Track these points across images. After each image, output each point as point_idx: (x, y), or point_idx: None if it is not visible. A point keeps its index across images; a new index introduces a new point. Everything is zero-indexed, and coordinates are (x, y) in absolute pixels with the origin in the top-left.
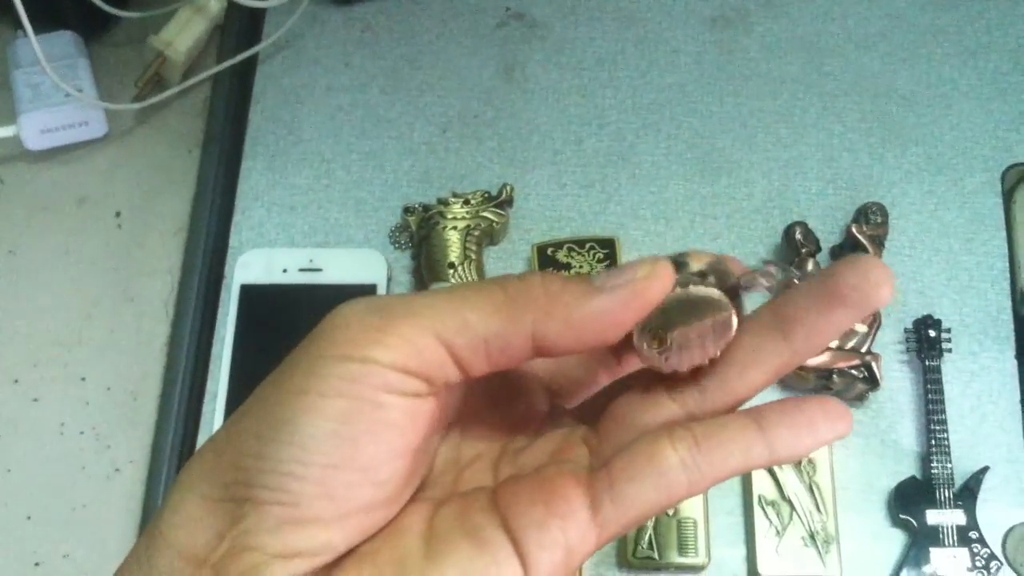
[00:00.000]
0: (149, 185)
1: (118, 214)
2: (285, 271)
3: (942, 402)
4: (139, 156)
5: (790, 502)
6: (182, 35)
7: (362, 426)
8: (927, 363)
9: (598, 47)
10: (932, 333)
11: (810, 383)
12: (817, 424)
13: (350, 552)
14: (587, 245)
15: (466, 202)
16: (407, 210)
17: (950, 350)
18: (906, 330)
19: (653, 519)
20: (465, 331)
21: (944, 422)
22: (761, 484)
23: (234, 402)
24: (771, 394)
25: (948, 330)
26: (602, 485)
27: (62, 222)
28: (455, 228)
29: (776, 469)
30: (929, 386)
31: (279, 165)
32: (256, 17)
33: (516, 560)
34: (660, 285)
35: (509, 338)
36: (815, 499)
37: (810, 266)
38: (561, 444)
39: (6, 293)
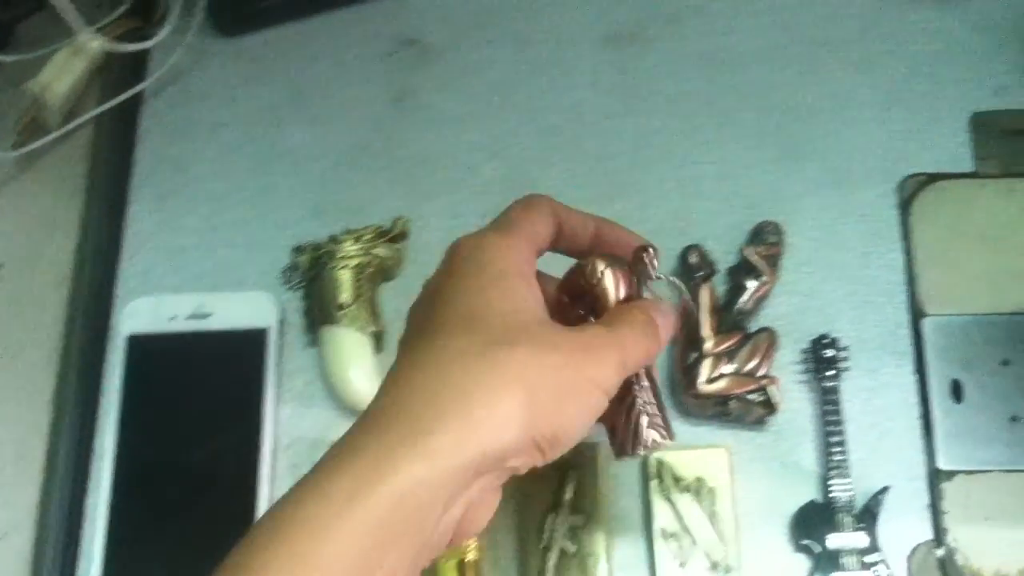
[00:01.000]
0: (31, 235)
1: (0, 266)
2: (173, 319)
3: (840, 423)
4: (20, 205)
5: (691, 533)
6: (60, 78)
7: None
8: (824, 384)
9: (492, 71)
10: (829, 352)
11: (708, 410)
12: None
13: None
14: None
15: (358, 239)
16: (297, 249)
17: (848, 368)
18: (803, 350)
19: (556, 557)
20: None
21: (843, 443)
22: (662, 516)
23: (125, 460)
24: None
25: (845, 348)
26: None
27: None
28: (346, 267)
29: (676, 499)
30: (827, 407)
31: (167, 207)
32: (139, 53)
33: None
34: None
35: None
36: (716, 528)
37: (704, 296)
38: None
39: None
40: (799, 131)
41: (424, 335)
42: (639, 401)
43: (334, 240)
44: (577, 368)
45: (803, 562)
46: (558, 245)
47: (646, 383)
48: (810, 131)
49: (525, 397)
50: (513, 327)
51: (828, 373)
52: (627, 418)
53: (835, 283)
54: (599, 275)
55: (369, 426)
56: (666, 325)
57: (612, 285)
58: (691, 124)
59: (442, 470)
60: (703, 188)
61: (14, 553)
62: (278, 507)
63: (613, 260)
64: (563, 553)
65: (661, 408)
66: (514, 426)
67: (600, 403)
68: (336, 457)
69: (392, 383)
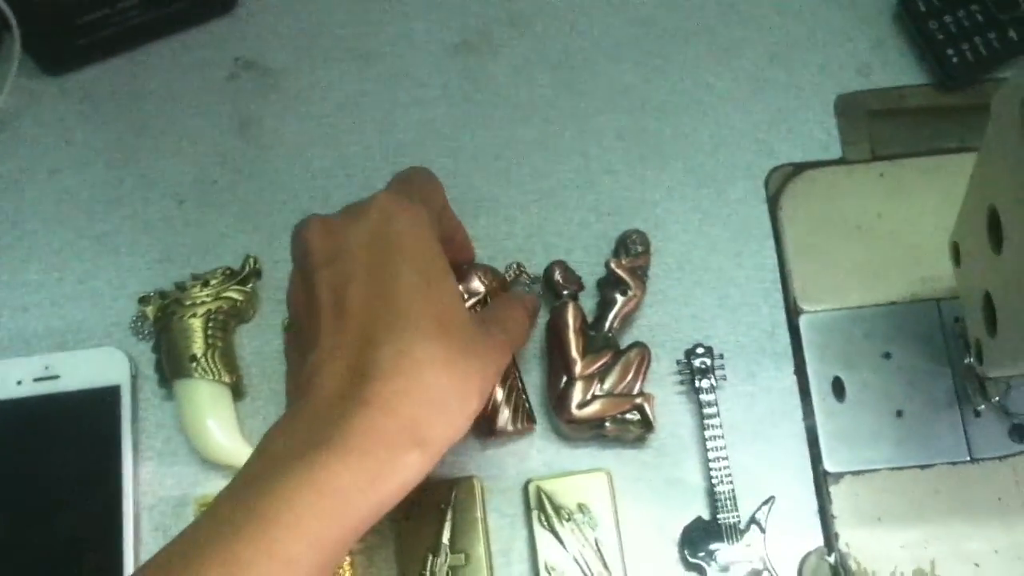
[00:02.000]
0: None
1: None
2: (19, 383)
3: (721, 436)
4: None
5: (577, 563)
6: None
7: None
8: (700, 395)
9: (338, 91)
10: (702, 361)
11: (585, 433)
12: None
13: None
14: None
15: (205, 283)
16: (143, 299)
17: (724, 377)
18: (678, 362)
19: None
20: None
21: (724, 456)
22: (545, 548)
23: None
24: (548, 444)
25: (721, 356)
26: None
27: None
28: (195, 315)
29: (560, 530)
30: (706, 419)
31: (5, 263)
32: None
33: None
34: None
35: None
36: (601, 557)
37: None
38: None
39: None
40: (659, 130)
41: (389, 331)
42: (520, 384)
43: (180, 287)
44: (490, 365)
45: None
46: None
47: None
48: (670, 129)
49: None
50: (457, 328)
51: (703, 384)
52: (508, 399)
53: (708, 288)
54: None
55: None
56: (533, 317)
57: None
58: (547, 131)
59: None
60: (565, 199)
61: None
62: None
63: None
64: None
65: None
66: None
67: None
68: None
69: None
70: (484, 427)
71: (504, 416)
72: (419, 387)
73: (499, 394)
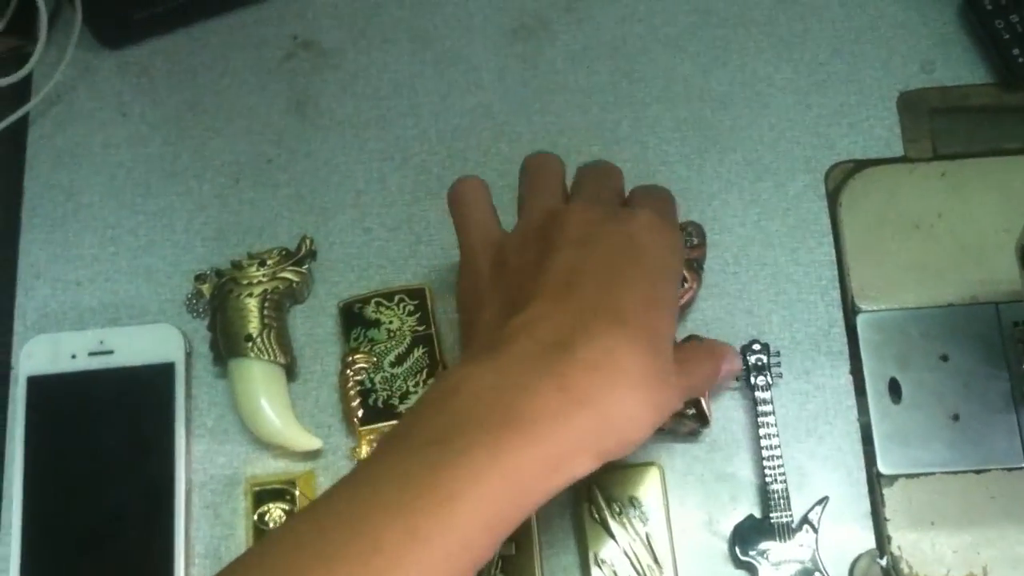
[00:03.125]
0: None
1: None
2: (74, 357)
3: (776, 435)
4: None
5: (627, 556)
6: None
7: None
8: (756, 392)
9: (394, 72)
10: (760, 359)
11: None
12: None
13: None
14: (396, 298)
15: (262, 263)
16: (199, 278)
17: (780, 374)
18: None
19: None
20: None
21: (779, 454)
22: (596, 541)
23: (33, 507)
24: None
25: (777, 353)
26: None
27: None
28: (251, 295)
29: (611, 522)
30: (760, 416)
31: (60, 236)
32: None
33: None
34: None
35: None
36: (651, 551)
37: None
38: None
39: None
40: (717, 121)
41: (608, 326)
42: None
43: (237, 266)
44: (668, 403)
45: None
46: None
47: None
48: (729, 121)
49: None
50: (663, 356)
51: (759, 380)
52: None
53: (764, 282)
54: None
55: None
56: (728, 367)
57: None
58: (604, 119)
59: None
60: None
61: None
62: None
63: None
64: None
65: None
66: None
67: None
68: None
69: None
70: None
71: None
72: (611, 393)
73: None
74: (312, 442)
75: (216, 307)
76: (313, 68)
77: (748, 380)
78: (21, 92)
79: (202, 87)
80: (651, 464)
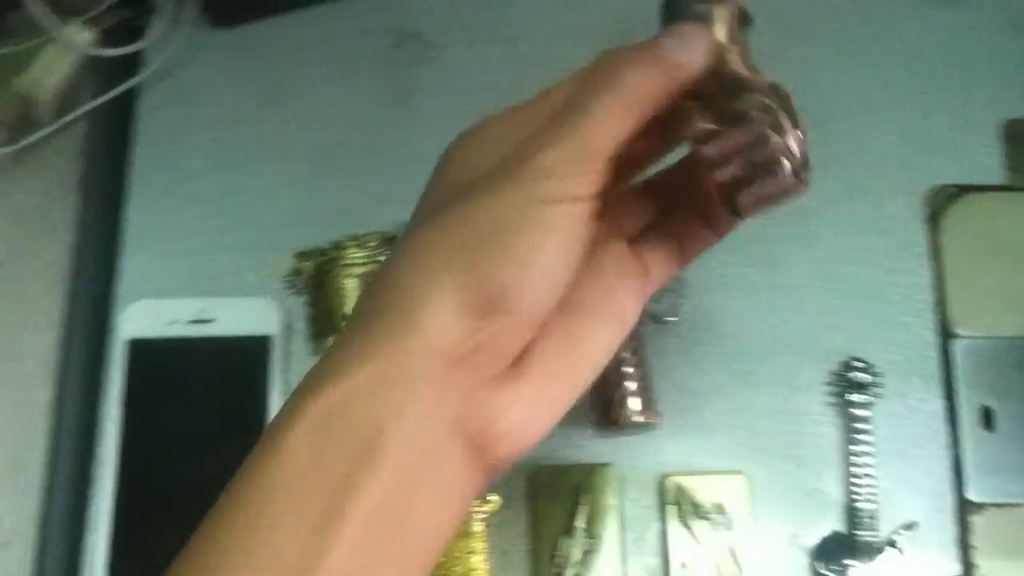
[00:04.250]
0: (27, 232)
1: None
2: (174, 323)
3: (869, 453)
4: (14, 202)
5: (709, 563)
6: (51, 71)
7: (572, 246)
8: (853, 410)
9: (493, 71)
10: (861, 376)
11: None
12: None
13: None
14: None
15: (362, 245)
16: (300, 255)
17: (880, 394)
18: (832, 373)
19: None
20: (618, 144)
21: (871, 473)
22: (679, 543)
23: (127, 468)
24: (684, 439)
25: (880, 373)
26: (647, 270)
27: None
28: (350, 275)
29: (694, 526)
30: (855, 434)
31: (164, 206)
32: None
33: (620, 317)
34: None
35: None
36: (735, 559)
37: None
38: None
39: None
40: (814, 137)
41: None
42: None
43: (338, 246)
44: (521, 180)
45: None
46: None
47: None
48: (825, 137)
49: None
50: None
51: (859, 398)
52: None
53: (858, 301)
54: None
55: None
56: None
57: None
58: None
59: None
60: None
61: (16, 561)
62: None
63: None
64: None
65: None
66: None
67: (579, 214)
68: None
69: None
70: (611, 416)
71: (633, 406)
72: None
73: (632, 385)
74: None
75: (315, 285)
76: (415, 60)
77: (843, 397)
78: (132, 64)
79: (309, 70)
80: (738, 472)
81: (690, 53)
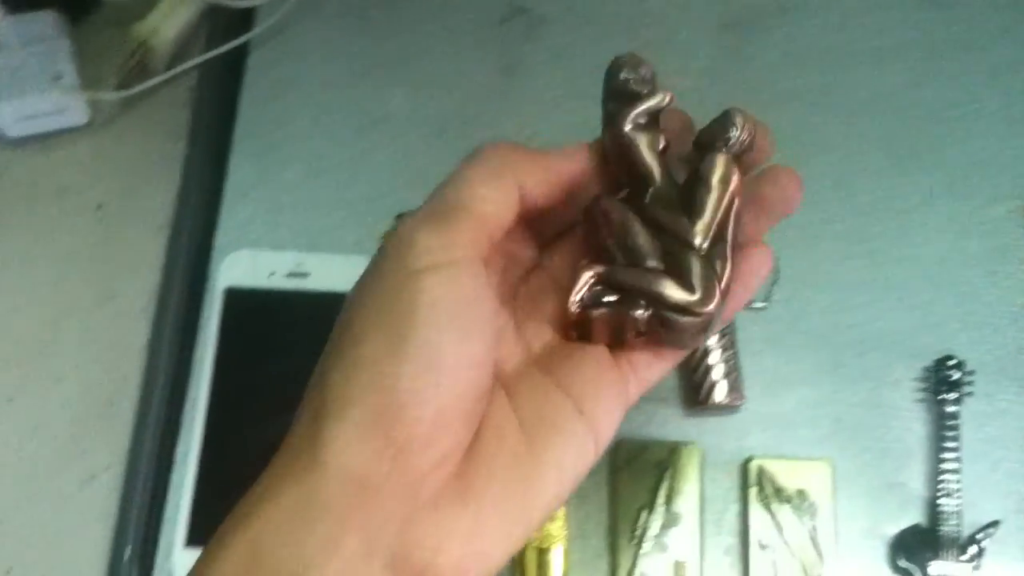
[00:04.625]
0: (132, 178)
1: (99, 207)
2: (272, 275)
3: (957, 448)
4: (122, 147)
5: (789, 546)
6: (168, 21)
7: (470, 322)
8: (944, 407)
9: (601, 49)
10: (954, 374)
11: None
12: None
13: (471, 459)
14: None
15: None
16: (400, 216)
17: (971, 393)
18: (925, 369)
19: (646, 556)
20: (492, 205)
21: (958, 470)
22: (759, 525)
23: (216, 409)
24: (770, 424)
25: (972, 372)
26: (630, 375)
27: (40, 213)
28: None
29: (777, 512)
30: (945, 432)
31: (268, 161)
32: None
33: (592, 441)
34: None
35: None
36: (815, 544)
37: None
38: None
39: None
40: (919, 138)
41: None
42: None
43: None
44: None
45: None
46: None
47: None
48: (933, 138)
49: None
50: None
51: (950, 396)
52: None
53: (954, 300)
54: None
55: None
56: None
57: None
58: (808, 121)
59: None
60: (819, 190)
61: (103, 494)
62: None
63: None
64: (654, 552)
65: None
66: None
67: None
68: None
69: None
70: (697, 396)
71: (719, 387)
72: None
73: (719, 367)
74: None
75: None
76: (526, 34)
77: (935, 394)
78: (245, 20)
79: (419, 39)
80: (823, 460)
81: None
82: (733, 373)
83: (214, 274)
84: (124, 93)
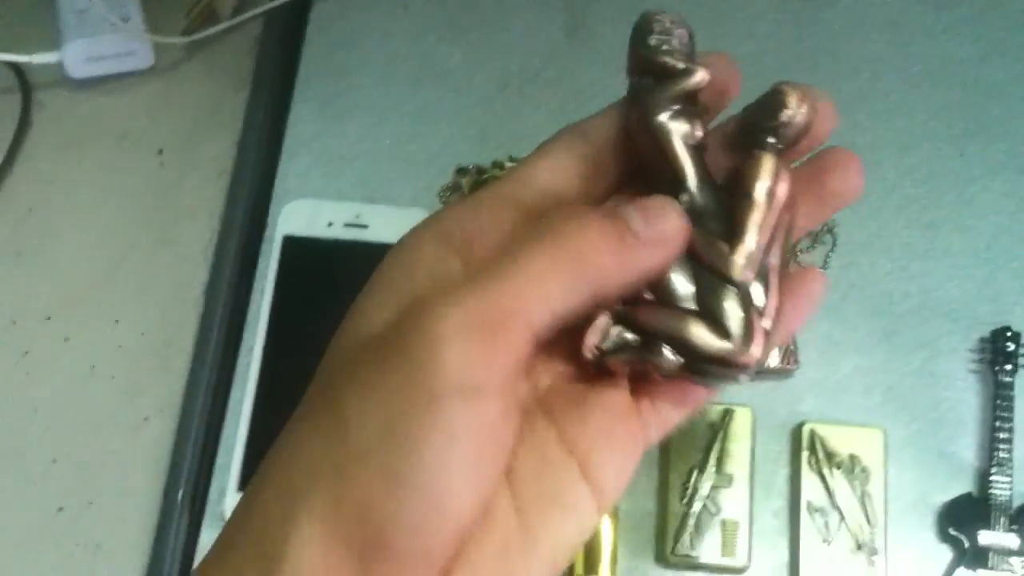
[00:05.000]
0: (194, 123)
1: (160, 151)
2: (330, 225)
3: (1011, 419)
4: (185, 92)
5: (840, 510)
6: None
7: (488, 458)
8: (1000, 377)
9: (670, 8)
10: (1011, 346)
11: None
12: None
13: (457, 554)
14: None
15: None
16: (460, 170)
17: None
18: (982, 339)
19: (696, 516)
20: (551, 317)
21: (1011, 440)
22: (810, 489)
23: (271, 356)
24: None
25: None
26: (651, 416)
27: (102, 155)
28: None
29: (828, 476)
30: (999, 401)
31: (329, 112)
32: None
33: (595, 506)
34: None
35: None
36: (865, 509)
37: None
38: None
39: (41, 224)
40: (988, 109)
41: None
42: None
43: (498, 166)
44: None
45: (946, 553)
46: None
47: None
48: (999, 111)
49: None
50: None
51: (1007, 367)
52: None
53: (1012, 273)
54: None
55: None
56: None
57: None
58: (872, 89)
59: None
60: (880, 158)
61: (157, 437)
62: None
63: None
64: (704, 513)
65: None
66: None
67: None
68: None
69: None
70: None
71: (775, 354)
72: None
73: None
74: None
75: None
76: None
77: (991, 365)
78: None
79: None
80: (875, 427)
81: (658, 245)
82: (788, 339)
83: (273, 222)
84: (189, 38)
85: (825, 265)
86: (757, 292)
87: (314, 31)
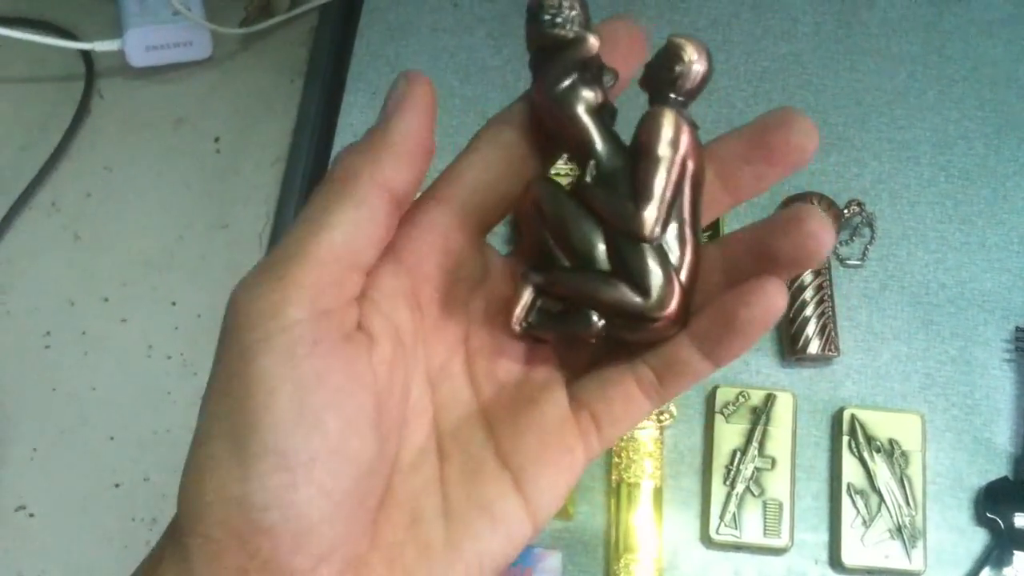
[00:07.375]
0: (249, 112)
1: (217, 139)
2: None
3: None
4: (241, 82)
5: (880, 493)
6: None
7: (319, 400)
8: None
9: (712, 7)
10: None
11: None
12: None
13: (374, 548)
14: None
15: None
16: None
17: None
18: (1017, 329)
19: (739, 497)
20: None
21: None
22: (851, 472)
23: None
24: (863, 376)
25: None
26: (591, 431)
27: (160, 142)
28: None
29: (868, 459)
30: None
31: (379, 103)
32: None
33: (528, 521)
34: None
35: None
36: (905, 492)
37: None
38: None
39: (99, 209)
40: (1019, 109)
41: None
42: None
43: None
44: None
45: (983, 535)
46: None
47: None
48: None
49: None
50: None
51: None
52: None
53: None
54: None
55: None
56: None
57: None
58: (910, 87)
59: None
60: (918, 153)
61: None
62: None
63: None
64: (747, 494)
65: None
66: None
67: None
68: None
69: None
70: (793, 346)
71: (815, 338)
72: None
73: (816, 322)
74: None
75: None
76: None
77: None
78: None
79: None
80: (914, 412)
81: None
82: (828, 327)
83: None
84: (247, 30)
85: (863, 258)
86: (672, 247)
87: (366, 25)
